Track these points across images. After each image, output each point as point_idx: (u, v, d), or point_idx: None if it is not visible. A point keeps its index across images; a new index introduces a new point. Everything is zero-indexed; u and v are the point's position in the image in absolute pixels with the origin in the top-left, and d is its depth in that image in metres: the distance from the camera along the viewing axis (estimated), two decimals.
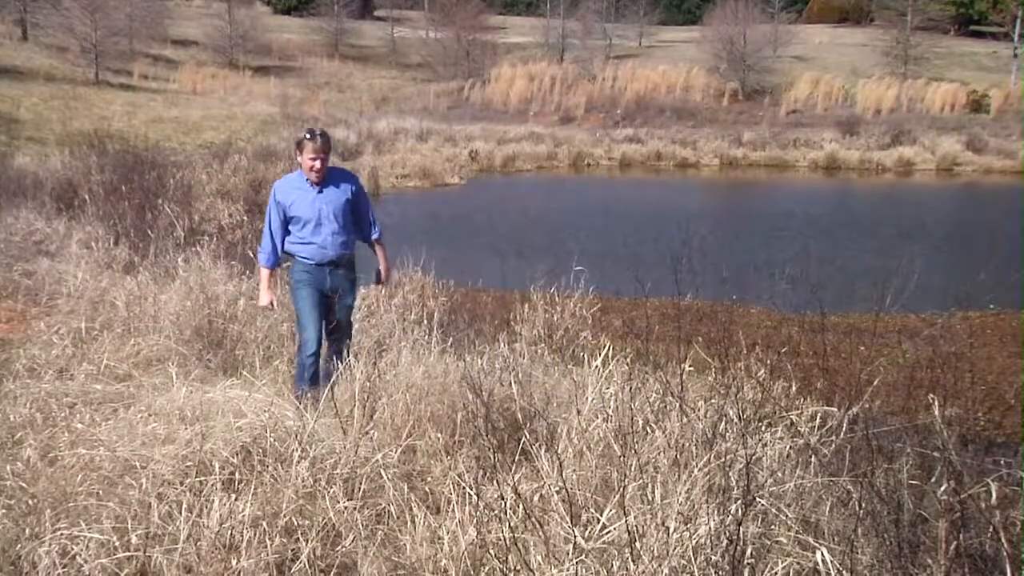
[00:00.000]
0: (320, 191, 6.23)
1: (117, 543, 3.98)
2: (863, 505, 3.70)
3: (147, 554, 3.98)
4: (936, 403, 4.04)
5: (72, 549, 3.95)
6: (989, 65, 53.59)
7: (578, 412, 5.27)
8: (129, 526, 4.08)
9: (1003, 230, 23.44)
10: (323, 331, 6.30)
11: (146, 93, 41.34)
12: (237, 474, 4.63)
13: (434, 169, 30.51)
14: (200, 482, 4.49)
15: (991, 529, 3.40)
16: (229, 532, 4.07)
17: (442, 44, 57.82)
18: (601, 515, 3.94)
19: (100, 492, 4.41)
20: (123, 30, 47.18)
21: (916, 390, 4.90)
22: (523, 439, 4.84)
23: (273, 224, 6.32)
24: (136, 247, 11.04)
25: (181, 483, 4.49)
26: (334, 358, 6.09)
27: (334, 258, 6.28)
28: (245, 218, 19.36)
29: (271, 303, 6.51)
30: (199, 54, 53.88)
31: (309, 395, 5.67)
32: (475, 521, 4.08)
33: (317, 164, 6.12)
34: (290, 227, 6.31)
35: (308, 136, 6.12)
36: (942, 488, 3.54)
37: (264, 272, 6.44)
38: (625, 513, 3.73)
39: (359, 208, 6.46)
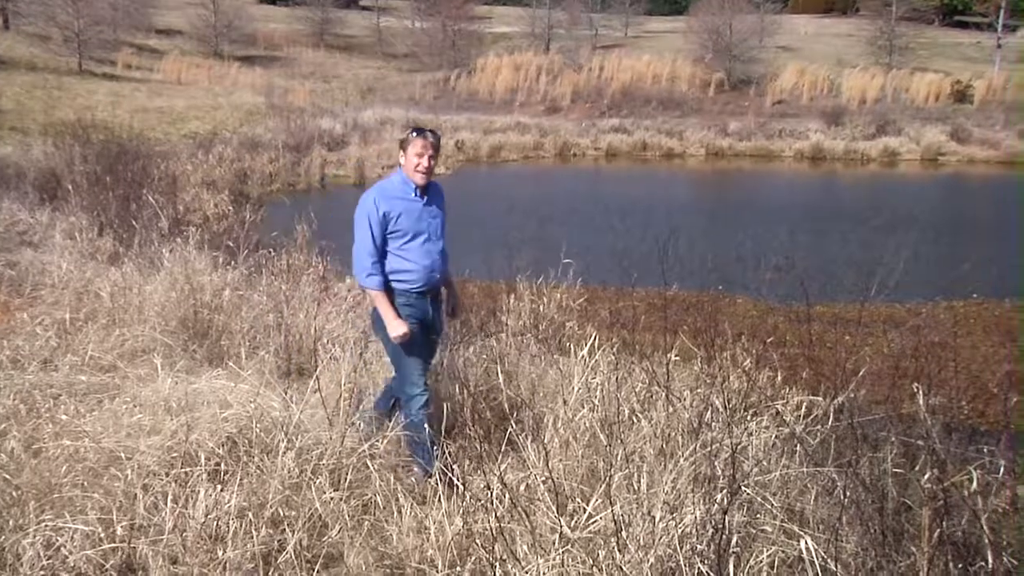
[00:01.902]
0: (427, 203, 5.35)
1: (102, 534, 3.98)
2: (848, 494, 3.72)
3: (132, 545, 3.98)
4: (920, 392, 4.06)
5: (57, 541, 3.93)
6: (973, 55, 53.73)
7: (564, 402, 5.28)
8: (114, 517, 4.07)
9: (987, 221, 23.57)
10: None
11: (130, 83, 41.08)
12: (223, 465, 4.63)
13: None
14: (186, 473, 4.48)
15: (973, 516, 3.42)
16: (215, 523, 4.07)
17: (428, 34, 57.60)
18: (587, 505, 3.95)
19: (85, 483, 4.40)
20: (106, 19, 46.83)
21: (901, 379, 4.93)
22: (509, 429, 4.85)
23: (376, 237, 5.21)
24: (121, 238, 10.99)
25: (167, 474, 4.48)
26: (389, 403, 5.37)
27: (440, 282, 5.44)
28: (231, 208, 19.31)
29: (409, 330, 5.20)
30: (184, 44, 53.55)
31: (428, 467, 4.90)
32: (461, 511, 4.08)
33: (425, 162, 5.23)
34: (388, 245, 5.30)
35: (415, 132, 5.33)
36: (926, 476, 3.56)
37: (380, 297, 5.24)
38: (611, 503, 3.74)
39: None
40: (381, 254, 5.25)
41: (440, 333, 5.59)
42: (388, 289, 5.25)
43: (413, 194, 5.30)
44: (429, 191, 5.37)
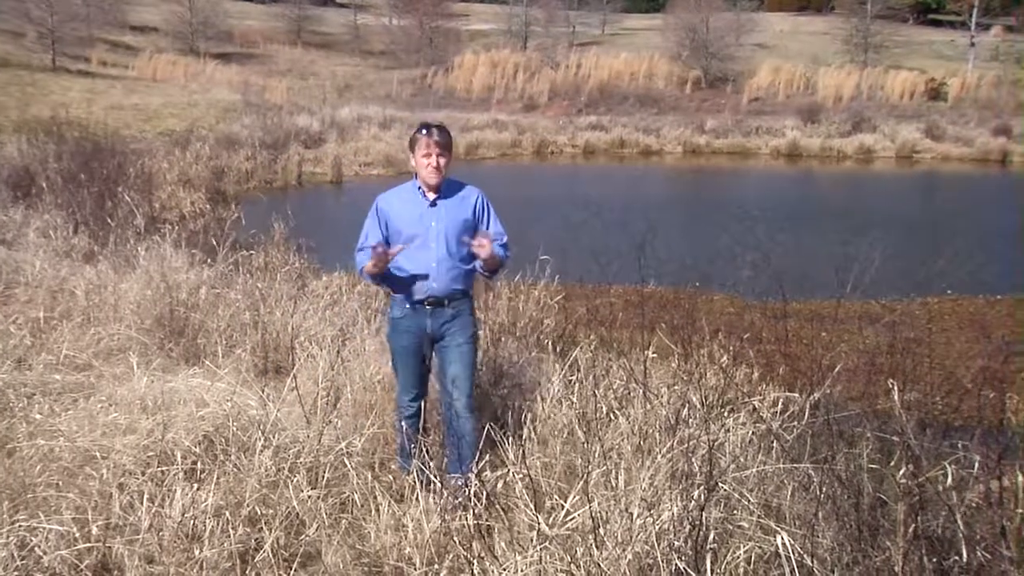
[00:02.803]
0: (433, 203, 4.93)
1: (77, 534, 3.95)
2: (824, 489, 3.74)
3: (107, 545, 3.95)
4: (896, 388, 4.08)
5: (31, 541, 3.90)
6: (947, 53, 54.15)
7: (542, 399, 5.29)
8: (89, 517, 4.04)
9: (961, 218, 23.75)
10: (423, 387, 5.08)
11: (105, 80, 40.76)
12: (200, 464, 4.61)
13: (398, 157, 30.31)
14: (162, 472, 4.46)
15: (948, 511, 3.45)
16: (192, 522, 4.05)
17: (405, 31, 57.51)
18: (565, 502, 3.96)
19: (60, 483, 4.37)
20: (80, 15, 46.43)
21: (876, 375, 4.96)
22: (487, 426, 4.85)
23: (371, 237, 4.93)
24: (96, 236, 10.91)
25: (143, 473, 4.46)
26: (458, 418, 4.85)
27: (440, 294, 4.88)
28: (207, 206, 19.23)
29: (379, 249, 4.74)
30: (159, 40, 53.22)
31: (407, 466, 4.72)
32: (439, 509, 4.08)
33: (433, 161, 4.85)
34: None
35: (423, 131, 4.93)
36: (901, 472, 3.59)
37: (368, 263, 4.81)
38: (589, 500, 3.75)
39: (475, 230, 4.99)
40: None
41: (462, 348, 4.94)
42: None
43: (420, 195, 4.95)
44: (444, 192, 4.96)
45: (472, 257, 4.92)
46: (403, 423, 4.95)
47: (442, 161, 4.90)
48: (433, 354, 5.03)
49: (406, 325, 4.94)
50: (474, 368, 5.05)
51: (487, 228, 5.00)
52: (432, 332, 4.93)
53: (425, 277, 4.85)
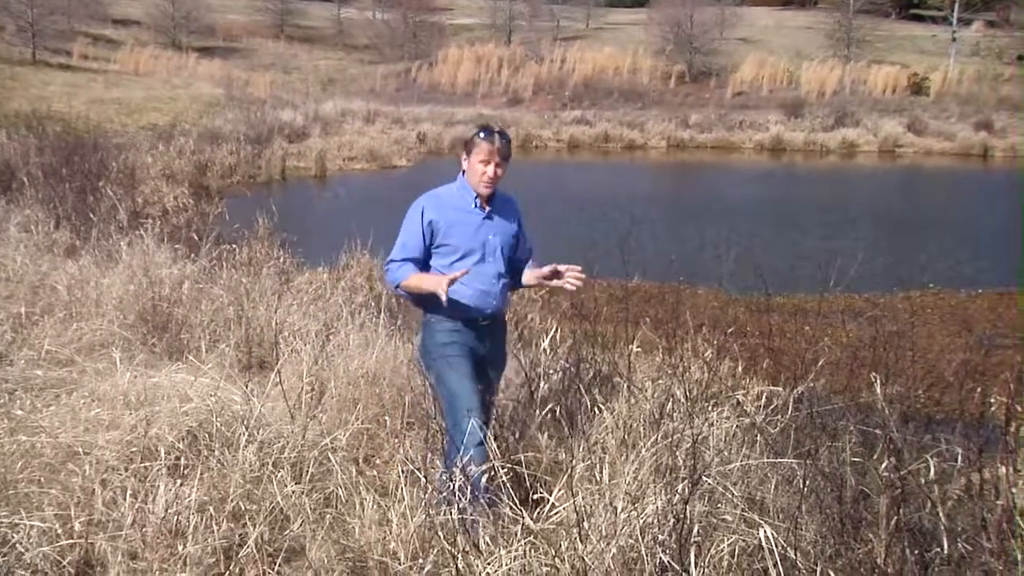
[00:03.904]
0: (489, 216, 4.55)
1: (59, 530, 3.93)
2: (807, 483, 3.76)
3: (90, 541, 3.93)
4: (878, 381, 4.11)
5: (12, 537, 3.88)
6: (929, 48, 54.40)
7: (527, 393, 5.29)
8: (72, 513, 4.02)
9: (943, 212, 23.88)
10: (488, 412, 4.53)
11: (86, 73, 40.55)
12: (183, 459, 4.59)
13: (381, 151, 30.34)
14: (145, 468, 4.43)
15: (930, 504, 3.47)
16: (175, 518, 4.03)
17: (389, 25, 57.45)
18: (550, 495, 3.97)
19: (42, 479, 4.34)
20: (61, 8, 46.20)
21: (859, 369, 4.98)
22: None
23: (411, 244, 4.50)
24: (78, 230, 10.85)
25: (126, 469, 4.43)
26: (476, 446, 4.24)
27: (497, 311, 4.60)
28: (191, 201, 19.15)
29: (451, 278, 4.27)
30: (141, 34, 52.95)
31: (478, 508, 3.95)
32: (424, 503, 4.07)
33: (491, 171, 4.43)
34: (433, 261, 4.55)
35: (482, 134, 4.49)
36: (883, 465, 3.61)
37: (412, 280, 4.46)
38: (573, 494, 3.75)
39: (519, 246, 4.73)
40: (418, 264, 4.50)
41: (500, 370, 4.79)
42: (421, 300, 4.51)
43: (472, 205, 4.53)
44: (494, 203, 4.58)
45: (515, 272, 4.65)
46: (477, 455, 4.17)
47: (500, 172, 4.48)
48: None
49: (459, 349, 4.48)
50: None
51: (522, 239, 4.73)
52: (486, 352, 4.58)
53: (486, 295, 4.49)
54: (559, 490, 3.90)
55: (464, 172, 4.55)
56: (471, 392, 4.34)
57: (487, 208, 4.54)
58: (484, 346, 4.56)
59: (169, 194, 19.46)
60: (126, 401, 5.18)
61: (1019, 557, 3.25)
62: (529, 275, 4.70)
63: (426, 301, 4.49)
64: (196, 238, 9.61)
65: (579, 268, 4.55)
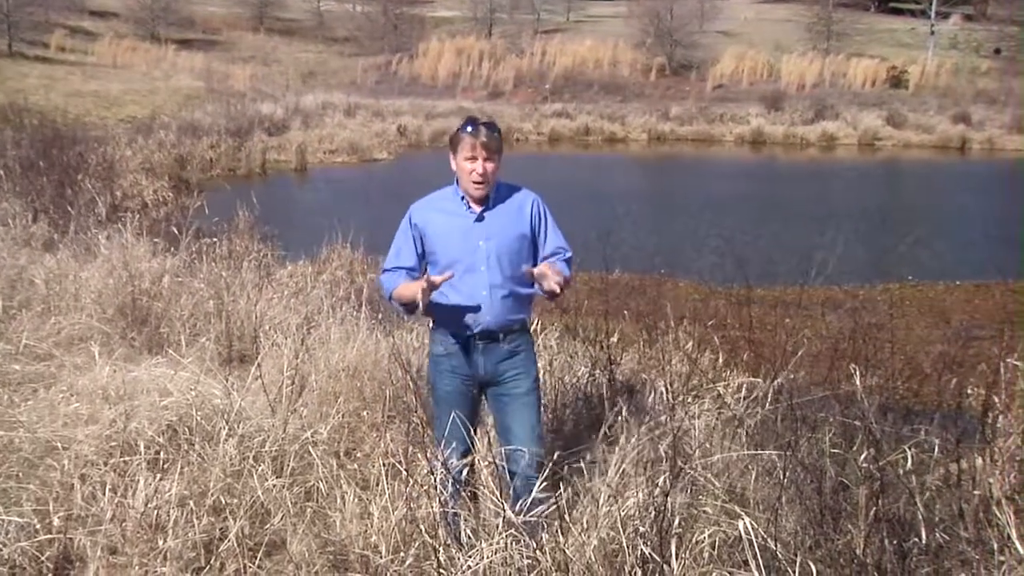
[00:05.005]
0: (480, 217, 4.04)
1: (38, 526, 3.91)
2: (787, 474, 3.78)
3: (69, 536, 3.91)
4: (857, 373, 4.13)
5: None
6: (908, 41, 54.61)
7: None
8: (51, 508, 4.00)
9: (922, 204, 24.02)
10: (470, 440, 4.08)
11: (64, 66, 40.22)
12: (163, 453, 4.57)
13: (362, 144, 30.22)
14: (124, 462, 4.41)
15: (908, 494, 3.50)
16: (155, 512, 4.02)
17: (369, 18, 57.19)
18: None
19: (20, 474, 4.32)
20: (38, 0, 45.76)
21: (839, 361, 5.02)
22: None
23: (404, 251, 4.12)
24: (56, 224, 10.78)
25: (105, 463, 4.41)
26: (526, 486, 3.81)
27: (493, 327, 4.01)
28: (170, 194, 19.06)
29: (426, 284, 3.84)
30: (119, 26, 52.49)
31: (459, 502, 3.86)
32: (405, 497, 4.07)
33: (479, 167, 3.95)
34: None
35: (467, 128, 4.01)
36: (863, 456, 3.63)
37: (401, 287, 4.04)
38: (555, 486, 3.76)
39: (538, 246, 4.17)
40: (412, 273, 4.08)
41: (523, 398, 4.09)
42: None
43: (463, 207, 4.05)
44: (492, 204, 4.07)
45: (533, 280, 4.01)
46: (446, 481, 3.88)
47: (490, 167, 3.97)
48: (483, 399, 4.21)
49: (451, 365, 4.08)
50: (540, 420, 4.19)
51: (545, 241, 4.14)
52: (485, 374, 4.07)
53: (475, 308, 3.97)
54: (541, 483, 3.90)
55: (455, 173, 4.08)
56: (455, 420, 3.96)
57: (479, 209, 4.03)
58: (482, 367, 4.06)
59: (149, 187, 19.36)
60: (105, 395, 5.16)
61: (995, 546, 3.28)
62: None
63: (435, 311, 4.04)
64: (176, 232, 9.57)
65: (551, 268, 3.94)
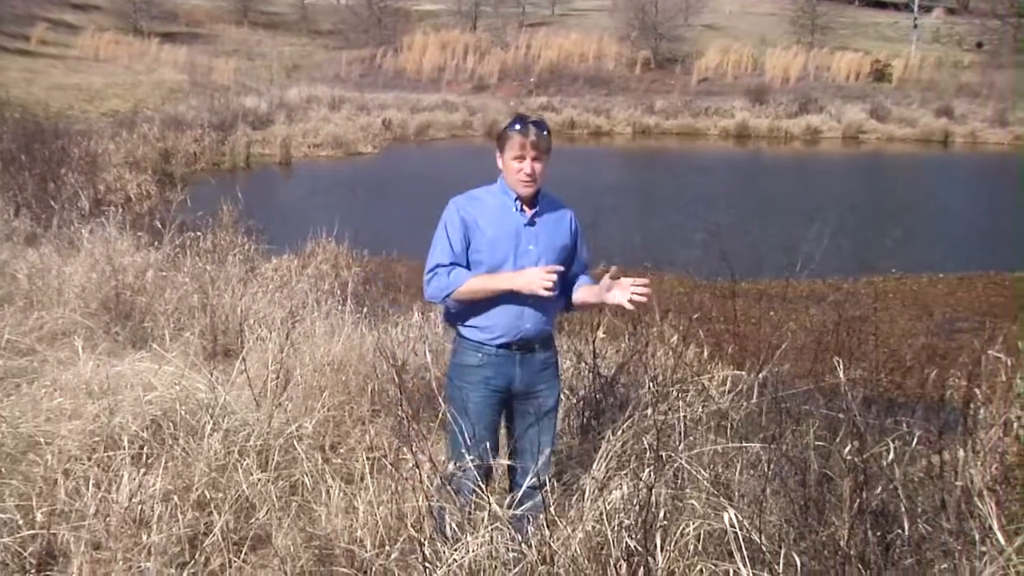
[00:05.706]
0: (531, 222, 3.92)
1: (21, 521, 3.89)
2: (772, 467, 3.80)
3: (52, 532, 3.90)
4: (841, 366, 4.15)
5: None
6: (891, 35, 54.84)
7: None
8: (34, 503, 3.99)
9: (905, 198, 24.12)
10: (496, 449, 4.00)
11: (45, 59, 39.92)
12: (147, 448, 4.56)
13: (347, 138, 30.12)
14: (108, 457, 4.40)
15: (891, 486, 3.52)
16: (139, 507, 4.01)
17: (354, 11, 56.99)
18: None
19: (2, 469, 4.30)
20: None
21: (823, 353, 5.03)
22: (439, 408, 4.84)
23: (458, 247, 3.86)
24: (38, 218, 10.73)
25: (88, 458, 4.40)
26: (531, 491, 3.81)
27: (532, 335, 3.91)
28: (154, 188, 18.97)
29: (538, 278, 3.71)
30: (101, 19, 52.15)
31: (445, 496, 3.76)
32: (390, 491, 4.07)
33: (526, 167, 3.84)
34: None
35: (516, 125, 3.90)
36: (847, 448, 3.65)
37: (475, 282, 3.83)
38: (540, 480, 3.77)
39: (571, 260, 4.07)
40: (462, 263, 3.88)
41: (549, 410, 4.03)
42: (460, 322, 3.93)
43: (515, 207, 3.91)
44: (540, 207, 3.95)
45: (564, 290, 3.96)
46: (463, 487, 3.76)
47: (538, 167, 3.87)
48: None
49: (484, 376, 3.89)
50: (556, 437, 4.18)
51: (576, 257, 4.09)
52: (520, 385, 3.94)
53: (518, 315, 3.84)
54: (531, 478, 3.90)
55: (502, 173, 3.97)
56: (486, 429, 3.90)
57: (529, 212, 3.91)
58: (517, 378, 3.92)
59: (132, 181, 19.24)
60: (88, 390, 5.14)
61: (977, 537, 3.30)
62: (585, 292, 4.02)
63: (462, 316, 3.91)
64: (160, 226, 9.53)
65: (645, 280, 3.83)
